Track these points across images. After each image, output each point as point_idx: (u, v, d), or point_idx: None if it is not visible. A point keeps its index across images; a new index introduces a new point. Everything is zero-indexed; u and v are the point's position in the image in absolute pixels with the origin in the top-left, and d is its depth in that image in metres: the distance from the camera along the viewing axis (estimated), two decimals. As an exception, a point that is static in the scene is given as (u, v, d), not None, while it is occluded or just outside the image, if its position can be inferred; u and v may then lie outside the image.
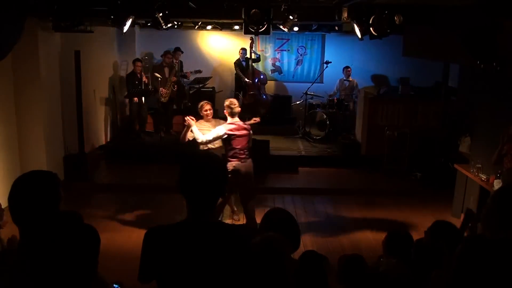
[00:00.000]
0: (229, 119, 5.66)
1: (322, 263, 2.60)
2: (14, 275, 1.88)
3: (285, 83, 11.75)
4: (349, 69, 10.68)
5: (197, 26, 10.12)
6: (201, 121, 6.04)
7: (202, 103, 6.14)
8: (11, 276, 1.88)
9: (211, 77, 11.13)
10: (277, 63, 11.76)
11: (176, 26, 8.48)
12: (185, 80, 10.58)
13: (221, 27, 10.43)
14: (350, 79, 10.71)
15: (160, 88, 9.66)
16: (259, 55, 10.97)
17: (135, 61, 9.70)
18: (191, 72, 10.39)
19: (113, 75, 10.29)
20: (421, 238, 3.23)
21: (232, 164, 5.60)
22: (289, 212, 2.65)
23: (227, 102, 5.70)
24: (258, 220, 2.64)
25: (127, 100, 10.11)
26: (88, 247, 1.83)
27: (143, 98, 9.74)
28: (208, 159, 2.10)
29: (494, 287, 1.83)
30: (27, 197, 1.96)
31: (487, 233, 2.09)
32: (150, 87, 9.72)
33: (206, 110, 6.03)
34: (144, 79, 9.64)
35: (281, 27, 6.85)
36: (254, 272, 1.75)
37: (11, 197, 1.96)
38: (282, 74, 11.78)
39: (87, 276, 1.81)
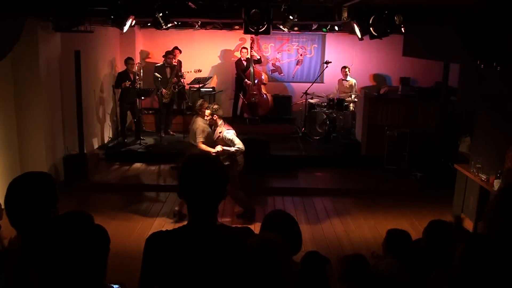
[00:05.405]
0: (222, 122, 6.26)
1: (324, 265, 2.59)
2: (17, 277, 1.85)
3: (285, 83, 11.75)
4: (346, 69, 10.65)
5: (197, 26, 10.11)
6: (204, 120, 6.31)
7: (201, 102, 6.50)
8: (14, 277, 1.86)
9: (211, 77, 11.13)
10: (277, 63, 11.76)
11: (176, 26, 8.48)
12: (184, 80, 10.55)
13: (221, 27, 10.42)
14: (348, 79, 10.70)
15: (161, 89, 9.65)
16: (260, 57, 10.96)
17: (128, 59, 9.47)
18: (188, 72, 10.33)
19: (113, 75, 10.29)
20: (420, 238, 3.23)
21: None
22: (290, 214, 2.64)
23: (215, 106, 6.28)
24: (258, 220, 2.63)
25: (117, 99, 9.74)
26: (99, 248, 1.75)
27: (137, 99, 9.69)
28: (207, 162, 2.06)
29: (497, 287, 1.82)
30: (22, 199, 1.94)
31: (489, 232, 2.09)
32: (136, 85, 9.56)
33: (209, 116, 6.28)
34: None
35: (281, 27, 6.85)
36: (250, 273, 1.73)
37: (7, 200, 1.95)
38: (282, 74, 11.77)
39: (97, 279, 1.74)
